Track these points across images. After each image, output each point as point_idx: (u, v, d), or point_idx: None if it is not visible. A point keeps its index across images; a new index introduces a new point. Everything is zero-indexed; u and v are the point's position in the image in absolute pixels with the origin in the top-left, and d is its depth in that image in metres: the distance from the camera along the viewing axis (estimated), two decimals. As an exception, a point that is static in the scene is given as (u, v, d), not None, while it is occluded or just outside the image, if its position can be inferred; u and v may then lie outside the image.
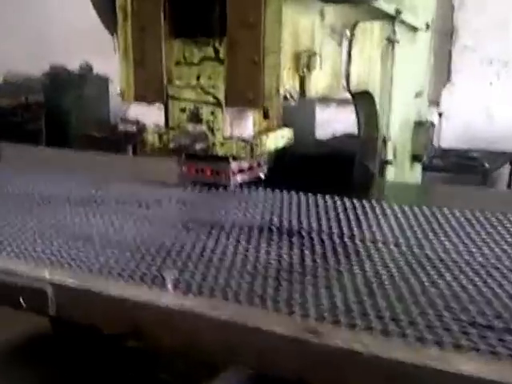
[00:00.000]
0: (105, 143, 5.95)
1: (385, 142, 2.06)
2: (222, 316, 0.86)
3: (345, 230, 1.34)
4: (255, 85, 1.47)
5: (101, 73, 6.44)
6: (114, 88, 6.35)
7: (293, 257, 1.15)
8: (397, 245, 1.23)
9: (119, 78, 1.67)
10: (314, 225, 1.39)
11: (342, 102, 4.97)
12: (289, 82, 1.49)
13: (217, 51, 1.55)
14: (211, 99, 1.58)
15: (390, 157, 2.13)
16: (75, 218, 1.47)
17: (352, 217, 1.44)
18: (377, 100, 1.94)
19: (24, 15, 6.66)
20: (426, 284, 0.99)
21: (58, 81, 6.36)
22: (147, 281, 1.00)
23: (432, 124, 2.29)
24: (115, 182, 1.84)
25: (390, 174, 2.13)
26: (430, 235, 1.28)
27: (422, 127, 2.21)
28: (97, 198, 1.65)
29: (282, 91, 1.47)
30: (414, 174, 2.31)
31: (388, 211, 1.48)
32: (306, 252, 1.18)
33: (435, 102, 4.08)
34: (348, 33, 1.71)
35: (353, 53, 1.73)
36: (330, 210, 1.52)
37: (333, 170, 2.34)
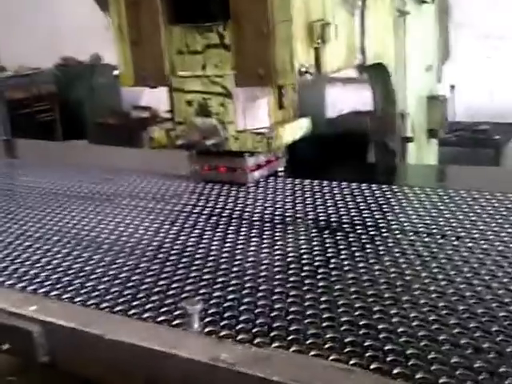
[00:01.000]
0: (119, 131, 5.83)
1: (403, 117, 1.90)
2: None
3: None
4: (266, 59, 1.30)
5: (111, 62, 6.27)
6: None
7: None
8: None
9: (117, 60, 1.50)
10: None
11: (347, 81, 4.79)
12: (303, 56, 1.31)
13: (222, 37, 1.37)
14: (220, 89, 1.41)
15: (409, 133, 1.98)
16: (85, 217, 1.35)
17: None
18: (392, 73, 1.78)
19: (36, 11, 6.51)
20: None
21: (70, 71, 6.24)
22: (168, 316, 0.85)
23: (445, 98, 2.12)
24: (127, 175, 1.71)
25: (411, 151, 1.99)
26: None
27: (436, 101, 2.04)
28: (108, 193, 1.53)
29: (296, 65, 1.29)
30: (431, 150, 2.16)
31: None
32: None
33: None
34: (359, 2, 1.53)
35: (366, 24, 1.56)
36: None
37: (349, 149, 2.19)
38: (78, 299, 0.92)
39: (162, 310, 0.88)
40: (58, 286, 0.98)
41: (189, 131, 1.46)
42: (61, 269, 1.06)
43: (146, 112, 5.74)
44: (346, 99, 4.82)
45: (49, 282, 1.00)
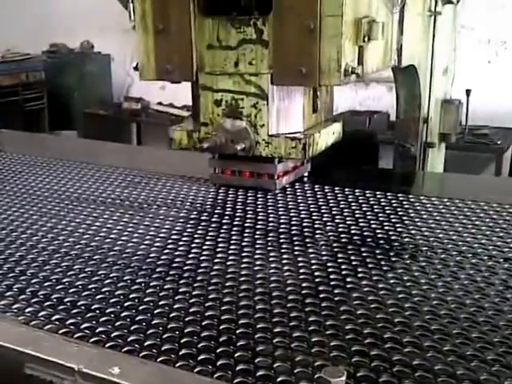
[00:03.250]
0: (109, 121, 5.62)
1: (426, 122, 1.82)
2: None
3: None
4: (310, 56, 1.15)
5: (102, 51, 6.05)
6: (116, 65, 6.00)
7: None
8: None
9: (136, 51, 1.33)
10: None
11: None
12: (350, 54, 1.17)
13: (260, 32, 1.22)
14: (253, 89, 1.26)
15: (431, 139, 1.87)
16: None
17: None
18: (421, 76, 1.69)
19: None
20: None
21: (59, 59, 5.96)
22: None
23: (460, 102, 2.03)
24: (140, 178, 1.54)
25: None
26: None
27: (451, 106, 1.95)
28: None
29: (343, 64, 1.15)
30: (440, 154, 2.07)
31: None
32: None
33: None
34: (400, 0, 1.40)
35: (405, 23, 1.44)
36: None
37: (357, 151, 2.07)
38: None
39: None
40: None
41: (216, 133, 1.30)
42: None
43: (138, 103, 5.52)
44: (342, 98, 4.75)
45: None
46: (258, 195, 1.38)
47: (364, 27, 1.17)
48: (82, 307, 0.89)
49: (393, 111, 1.86)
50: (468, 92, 2.08)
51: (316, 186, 1.43)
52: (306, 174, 1.49)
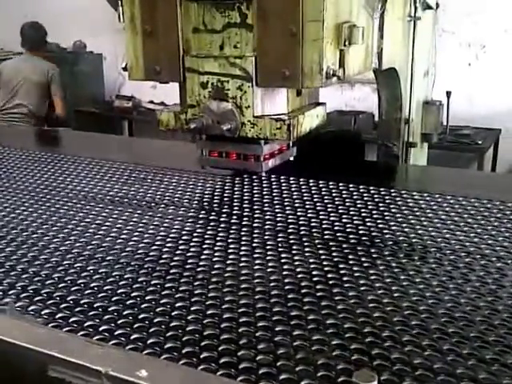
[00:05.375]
0: (101, 119, 5.57)
1: (408, 123, 1.84)
2: None
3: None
4: (293, 59, 1.17)
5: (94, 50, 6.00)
6: (108, 64, 5.95)
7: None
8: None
9: (126, 51, 1.34)
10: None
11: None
12: (331, 58, 1.19)
13: (244, 16, 1.22)
14: (238, 72, 1.25)
15: (413, 139, 1.89)
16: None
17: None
18: (402, 79, 1.71)
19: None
20: None
21: (52, 58, 5.89)
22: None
23: (441, 104, 2.04)
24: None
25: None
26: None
27: (432, 107, 1.98)
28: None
29: (325, 67, 1.17)
30: (423, 154, 2.09)
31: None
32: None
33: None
34: (379, 5, 1.42)
35: (384, 27, 1.45)
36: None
37: (344, 149, 2.07)
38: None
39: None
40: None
41: (202, 114, 1.28)
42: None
43: (129, 102, 5.47)
44: (329, 99, 4.76)
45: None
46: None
47: (345, 32, 1.19)
48: (100, 309, 0.87)
49: (377, 112, 1.86)
50: (448, 94, 2.09)
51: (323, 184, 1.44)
52: (291, 159, 1.49)
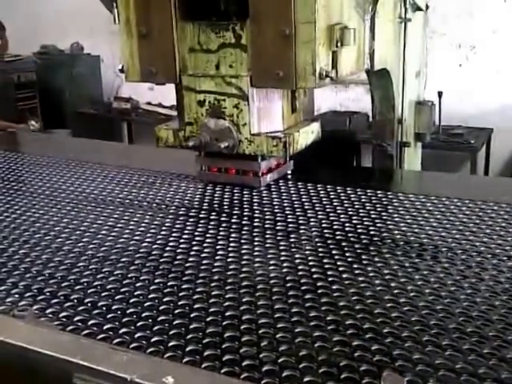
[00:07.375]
0: (99, 120, 5.52)
1: (401, 123, 1.83)
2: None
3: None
4: (286, 61, 1.17)
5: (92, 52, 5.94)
6: (105, 66, 5.89)
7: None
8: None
9: (121, 54, 1.33)
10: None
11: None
12: (324, 59, 1.19)
13: (238, 36, 1.23)
14: (234, 91, 1.26)
15: (406, 138, 1.88)
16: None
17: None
18: (394, 79, 1.71)
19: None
20: None
21: (50, 60, 5.84)
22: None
23: (433, 104, 2.04)
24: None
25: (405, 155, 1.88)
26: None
27: (424, 107, 1.97)
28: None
29: (318, 68, 1.17)
30: (416, 154, 2.09)
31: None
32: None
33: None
34: (370, 7, 1.42)
35: (376, 29, 1.45)
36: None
37: (338, 150, 2.06)
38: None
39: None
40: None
41: (200, 132, 1.30)
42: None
43: (127, 103, 5.43)
44: (323, 99, 4.75)
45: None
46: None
47: (336, 33, 1.19)
48: (118, 312, 0.85)
49: (371, 112, 1.85)
50: (440, 94, 2.09)
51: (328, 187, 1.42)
52: (289, 172, 1.49)
